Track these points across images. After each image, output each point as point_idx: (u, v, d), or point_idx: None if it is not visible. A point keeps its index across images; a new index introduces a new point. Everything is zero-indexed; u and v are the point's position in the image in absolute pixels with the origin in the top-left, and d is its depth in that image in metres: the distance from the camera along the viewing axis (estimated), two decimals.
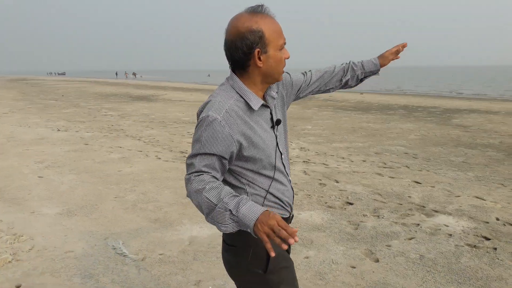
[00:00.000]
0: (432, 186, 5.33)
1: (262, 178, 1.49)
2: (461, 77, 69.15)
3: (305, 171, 6.15)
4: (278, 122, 1.52)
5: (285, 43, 1.46)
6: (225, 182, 1.49)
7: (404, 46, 1.88)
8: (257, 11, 1.39)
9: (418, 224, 4.02)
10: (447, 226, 3.98)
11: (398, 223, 4.07)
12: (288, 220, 1.61)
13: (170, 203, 4.73)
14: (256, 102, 1.44)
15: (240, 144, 1.39)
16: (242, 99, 1.43)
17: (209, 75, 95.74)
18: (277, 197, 1.54)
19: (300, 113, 14.38)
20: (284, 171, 1.58)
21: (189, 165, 1.38)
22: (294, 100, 1.77)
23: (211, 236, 3.80)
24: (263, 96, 1.52)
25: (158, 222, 4.18)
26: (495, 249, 3.46)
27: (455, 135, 9.39)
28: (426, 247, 3.53)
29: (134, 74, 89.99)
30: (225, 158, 1.38)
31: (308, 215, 4.28)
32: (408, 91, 29.63)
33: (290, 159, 6.93)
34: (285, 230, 1.15)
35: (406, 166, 6.47)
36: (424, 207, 4.53)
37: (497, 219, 4.15)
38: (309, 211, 4.43)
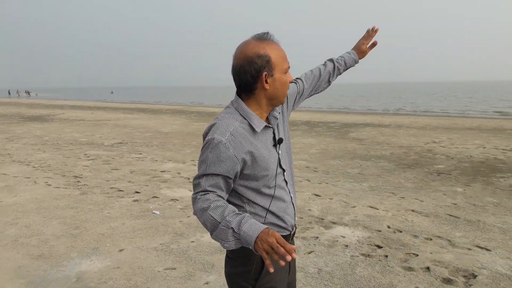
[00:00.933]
0: (330, 198, 5.54)
1: (262, 196, 1.56)
2: (375, 93, 74.97)
3: None
4: (280, 141, 1.60)
5: (289, 67, 1.56)
6: (228, 201, 1.55)
7: (374, 30, 2.06)
8: (263, 38, 1.50)
9: (317, 237, 4.11)
10: (344, 237, 4.12)
11: (298, 237, 4.11)
12: (288, 237, 1.66)
13: (57, 236, 4.27)
14: (258, 124, 1.52)
15: (244, 162, 1.48)
16: (246, 121, 1.51)
17: (112, 92, 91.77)
18: (277, 216, 1.59)
19: None
20: (286, 187, 1.64)
21: (195, 185, 1.47)
22: (291, 111, 1.86)
23: (102, 269, 3.47)
24: (267, 117, 1.60)
25: (42, 258, 3.72)
26: (386, 256, 3.65)
27: (352, 148, 10.00)
28: (324, 260, 3.59)
29: (27, 92, 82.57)
30: (230, 178, 1.46)
31: (209, 237, 4.15)
32: (311, 107, 31.27)
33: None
34: (283, 247, 1.24)
35: (307, 179, 6.67)
36: (323, 219, 4.66)
37: (388, 227, 4.41)
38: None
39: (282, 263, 1.23)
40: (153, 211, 5.02)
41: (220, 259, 3.63)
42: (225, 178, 1.46)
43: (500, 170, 7.22)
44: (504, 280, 3.19)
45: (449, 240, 4.00)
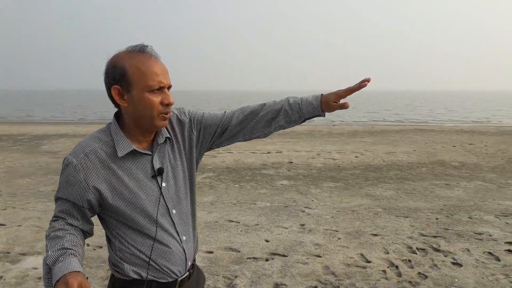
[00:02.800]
0: (18, 226, 4.78)
1: (134, 232, 1.34)
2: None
3: None
4: (160, 171, 1.35)
5: (163, 87, 1.30)
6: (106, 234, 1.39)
7: (362, 83, 1.40)
8: (134, 50, 1.31)
9: (1, 277, 3.44)
10: (36, 268, 3.61)
11: None
12: (168, 285, 1.39)
13: None
14: (123, 147, 1.31)
15: (99, 193, 1.30)
16: (112, 143, 1.32)
17: None
18: (152, 260, 1.36)
19: None
20: (173, 230, 1.39)
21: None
22: (210, 146, 1.51)
23: None
24: (152, 141, 1.38)
25: None
26: None
27: (44, 163, 9.07)
28: None
29: None
30: (81, 206, 1.30)
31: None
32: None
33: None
34: None
35: None
36: (8, 253, 3.96)
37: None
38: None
39: None
40: None
41: None
42: (76, 205, 1.29)
43: None
44: None
45: None
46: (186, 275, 1.45)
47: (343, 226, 4.74)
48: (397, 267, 3.63)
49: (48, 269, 1.17)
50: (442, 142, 12.38)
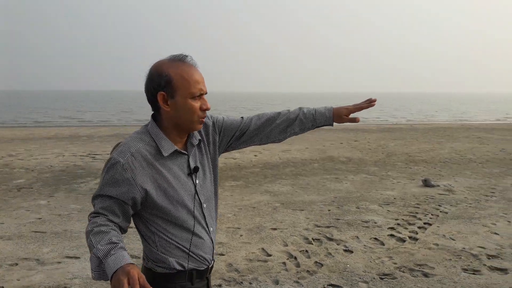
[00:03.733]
0: None
1: (174, 227, 1.44)
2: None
3: None
4: (196, 169, 1.47)
5: (203, 94, 1.43)
6: (138, 230, 1.47)
7: (371, 102, 1.66)
8: (176, 59, 1.42)
9: None
10: None
11: None
12: (203, 272, 1.53)
13: None
14: (167, 147, 1.42)
15: (146, 191, 1.37)
16: (154, 144, 1.42)
17: None
18: (191, 251, 1.48)
19: None
20: (204, 222, 1.52)
21: (93, 206, 1.38)
22: (226, 149, 1.66)
23: None
24: (186, 142, 1.49)
25: None
26: None
27: None
28: None
29: None
30: (125, 203, 1.36)
31: None
32: None
33: None
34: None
35: None
36: None
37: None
38: None
39: None
40: None
41: None
42: (120, 202, 1.36)
43: (80, 176, 7.61)
44: (95, 283, 3.34)
45: (38, 259, 3.79)
46: (213, 262, 1.61)
47: (244, 223, 4.86)
48: (295, 258, 3.83)
49: (99, 262, 1.21)
50: (331, 140, 13.35)
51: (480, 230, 4.63)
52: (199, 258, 1.51)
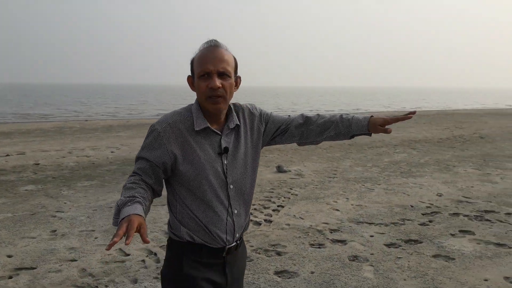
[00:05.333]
0: None
1: (194, 199, 1.52)
2: None
3: None
4: (226, 149, 1.54)
5: (209, 72, 1.47)
6: (168, 198, 1.59)
7: (401, 119, 1.62)
8: (206, 42, 1.54)
9: None
10: None
11: None
12: (216, 250, 1.57)
13: None
14: (199, 123, 1.52)
15: (175, 157, 1.48)
16: (191, 119, 1.53)
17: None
18: (204, 225, 1.53)
19: None
20: (226, 202, 1.56)
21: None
22: (270, 141, 1.72)
23: None
24: (223, 124, 1.58)
25: None
26: None
27: None
28: None
29: None
30: (157, 166, 1.47)
31: None
32: None
33: None
34: (121, 230, 1.20)
35: None
36: None
37: None
38: None
39: (127, 242, 1.18)
40: None
41: None
42: (153, 165, 1.47)
43: None
44: None
45: None
46: (233, 245, 1.61)
47: (100, 224, 4.57)
48: (155, 254, 3.76)
49: (118, 210, 1.32)
50: None
51: (324, 208, 5.19)
52: (213, 235, 1.55)
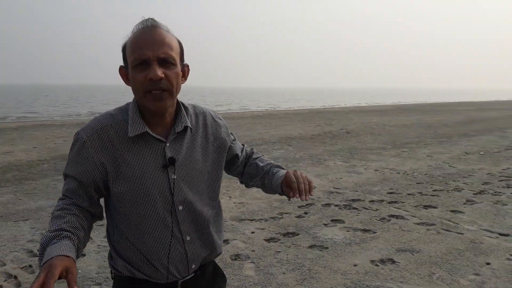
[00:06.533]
0: None
1: (131, 224, 1.22)
2: None
3: None
4: (171, 160, 1.21)
5: (147, 59, 1.12)
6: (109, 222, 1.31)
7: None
8: (142, 23, 1.17)
9: None
10: None
11: None
12: (166, 286, 1.27)
13: None
14: (135, 127, 1.19)
15: (106, 172, 1.19)
16: (125, 123, 1.21)
17: None
18: (145, 257, 1.24)
19: None
20: (175, 227, 1.24)
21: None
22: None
23: None
24: (172, 125, 1.25)
25: None
26: None
27: None
28: None
29: None
30: (88, 185, 1.19)
31: None
32: None
33: None
34: (37, 283, 0.90)
35: None
36: None
37: None
38: None
39: None
40: None
41: None
42: (82, 184, 1.19)
43: None
44: None
45: None
46: (190, 276, 1.32)
47: None
48: (15, 277, 3.31)
49: (43, 249, 1.04)
50: (63, 136, 12.29)
51: None
52: (157, 268, 1.25)
